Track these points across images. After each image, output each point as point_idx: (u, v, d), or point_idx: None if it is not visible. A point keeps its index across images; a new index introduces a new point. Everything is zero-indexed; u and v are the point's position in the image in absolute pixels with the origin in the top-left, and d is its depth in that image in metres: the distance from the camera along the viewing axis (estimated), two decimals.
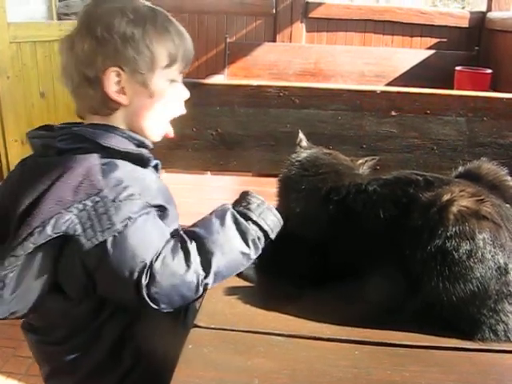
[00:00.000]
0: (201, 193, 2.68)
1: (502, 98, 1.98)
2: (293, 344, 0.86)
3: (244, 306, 0.96)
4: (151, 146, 1.19)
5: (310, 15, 4.65)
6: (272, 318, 0.92)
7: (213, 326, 0.89)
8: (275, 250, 1.02)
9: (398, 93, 1.88)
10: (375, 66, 4.21)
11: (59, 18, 4.74)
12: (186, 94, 1.23)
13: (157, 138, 1.21)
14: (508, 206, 0.91)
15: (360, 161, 1.14)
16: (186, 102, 1.99)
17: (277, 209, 1.05)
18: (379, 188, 0.96)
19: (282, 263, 1.03)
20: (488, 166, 1.01)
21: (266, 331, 0.88)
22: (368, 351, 0.84)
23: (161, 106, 1.17)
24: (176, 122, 1.99)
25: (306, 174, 1.06)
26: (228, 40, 4.34)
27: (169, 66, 1.15)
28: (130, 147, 1.10)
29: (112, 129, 1.10)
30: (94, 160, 1.02)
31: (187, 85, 2.13)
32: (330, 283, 0.97)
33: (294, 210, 1.03)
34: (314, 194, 1.01)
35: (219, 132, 2.00)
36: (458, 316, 0.86)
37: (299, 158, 1.10)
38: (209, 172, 3.04)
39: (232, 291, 0.99)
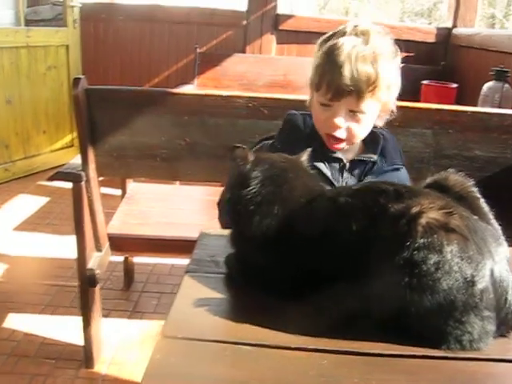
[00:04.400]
0: (169, 203, 2.67)
1: (467, 112, 2.01)
2: (261, 353, 0.85)
3: (212, 316, 0.95)
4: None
5: (280, 27, 4.68)
6: (240, 328, 0.91)
7: (181, 336, 0.88)
8: (247, 266, 1.02)
9: None
10: None
11: (27, 25, 4.68)
12: (329, 119, 1.39)
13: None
14: (476, 217, 0.92)
15: (303, 157, 1.15)
16: (154, 110, 1.99)
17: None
18: (350, 199, 0.96)
19: (253, 277, 1.02)
20: (455, 178, 1.02)
21: (235, 341, 0.87)
22: (336, 360, 0.84)
23: (315, 119, 1.45)
24: (144, 131, 1.99)
25: (273, 190, 1.02)
26: (198, 50, 4.34)
27: (315, 90, 1.41)
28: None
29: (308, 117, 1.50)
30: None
31: (156, 94, 2.14)
32: (299, 294, 0.96)
33: (263, 227, 1.00)
34: (283, 208, 1.00)
35: (188, 142, 1.99)
36: (425, 327, 0.87)
37: (257, 175, 1.04)
38: (177, 182, 3.03)
39: (200, 302, 0.98)
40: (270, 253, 0.99)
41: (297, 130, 1.50)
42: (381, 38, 1.37)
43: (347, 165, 1.45)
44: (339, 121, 1.38)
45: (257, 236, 1.00)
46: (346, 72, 1.33)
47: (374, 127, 1.47)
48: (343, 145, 1.43)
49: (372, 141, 1.48)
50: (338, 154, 1.45)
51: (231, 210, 1.08)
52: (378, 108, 1.41)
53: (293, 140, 1.44)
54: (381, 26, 1.42)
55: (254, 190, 1.02)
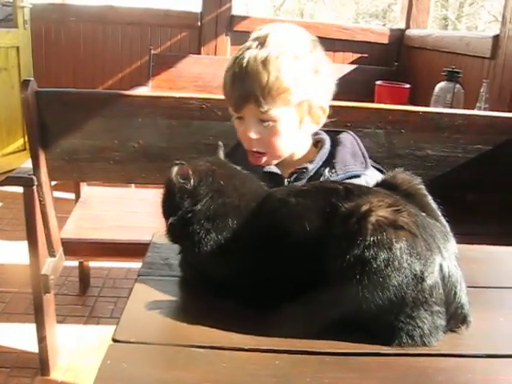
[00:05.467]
0: (123, 206, 2.64)
1: (419, 112, 2.05)
2: (214, 355, 0.85)
3: (165, 319, 0.94)
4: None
5: (235, 28, 4.69)
6: (193, 331, 0.90)
7: (132, 340, 0.87)
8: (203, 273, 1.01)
9: None
10: None
11: None
12: (244, 133, 1.34)
13: None
14: (424, 214, 0.93)
15: (222, 153, 1.14)
16: (106, 113, 1.97)
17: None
18: (301, 199, 0.96)
19: (209, 283, 1.00)
20: (402, 176, 1.03)
21: (187, 344, 0.86)
22: (288, 360, 0.84)
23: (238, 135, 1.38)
24: (97, 134, 1.96)
25: (223, 201, 0.99)
26: (152, 52, 4.31)
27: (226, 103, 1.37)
28: None
29: None
30: None
31: (108, 96, 2.11)
32: (254, 297, 0.96)
33: (219, 242, 0.97)
34: (237, 218, 0.99)
35: (141, 144, 1.98)
36: (376, 323, 0.88)
37: (205, 190, 1.00)
38: (133, 185, 3.00)
39: (153, 305, 0.97)
40: (229, 264, 0.98)
41: (240, 145, 1.41)
42: (284, 37, 1.31)
43: (286, 179, 1.37)
44: (250, 133, 1.31)
45: (215, 252, 0.97)
46: (237, 80, 1.30)
47: (331, 131, 1.44)
48: (265, 159, 1.36)
49: (314, 148, 1.42)
50: (272, 169, 1.38)
51: (179, 233, 1.01)
52: (294, 112, 1.31)
53: (234, 155, 1.36)
54: (294, 24, 1.37)
55: (205, 207, 0.98)
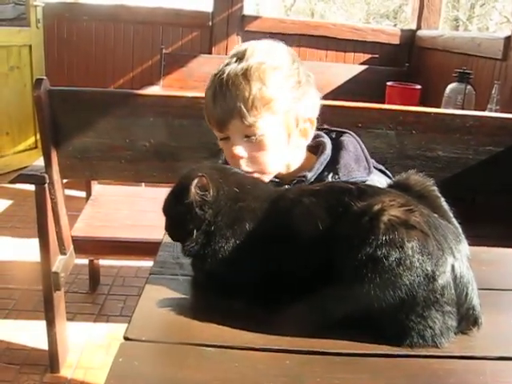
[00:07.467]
0: (133, 204, 2.65)
1: (430, 113, 2.04)
2: (225, 355, 0.85)
3: (176, 318, 0.94)
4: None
5: (246, 28, 4.70)
6: (204, 330, 0.90)
7: (144, 339, 0.87)
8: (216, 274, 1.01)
9: (330, 106, 1.91)
10: None
11: None
12: (231, 152, 1.30)
13: None
14: (436, 215, 0.93)
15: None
16: (118, 112, 1.98)
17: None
18: (315, 199, 0.97)
19: (221, 282, 1.00)
20: (416, 178, 1.03)
21: (198, 343, 0.87)
22: (299, 360, 0.84)
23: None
24: (108, 133, 1.97)
25: (241, 206, 0.99)
26: (164, 51, 4.32)
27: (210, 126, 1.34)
28: None
29: None
30: None
31: (120, 95, 2.12)
32: (265, 296, 0.96)
33: (238, 246, 0.97)
34: (253, 222, 0.98)
35: (152, 143, 1.98)
36: (387, 322, 0.87)
37: (224, 200, 0.99)
38: (143, 184, 3.01)
39: (164, 304, 0.97)
40: (244, 266, 0.97)
41: None
42: (263, 51, 1.28)
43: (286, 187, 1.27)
44: (238, 150, 1.27)
45: (233, 257, 0.97)
46: (219, 96, 1.26)
47: (318, 137, 1.40)
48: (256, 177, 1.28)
49: (313, 155, 1.39)
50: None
51: (201, 246, 1.00)
52: (281, 125, 1.28)
53: None
54: (274, 40, 1.33)
55: (225, 216, 0.98)
